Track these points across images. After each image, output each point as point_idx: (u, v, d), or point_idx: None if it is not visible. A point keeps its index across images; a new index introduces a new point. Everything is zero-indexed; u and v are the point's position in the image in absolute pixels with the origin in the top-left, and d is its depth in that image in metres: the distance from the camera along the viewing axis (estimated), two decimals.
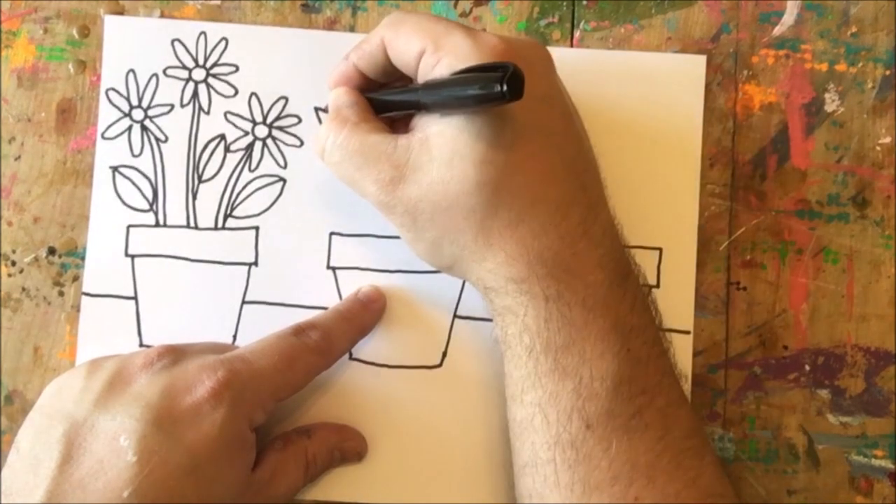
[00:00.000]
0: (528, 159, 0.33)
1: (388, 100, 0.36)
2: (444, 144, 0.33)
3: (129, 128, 0.41)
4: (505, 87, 0.29)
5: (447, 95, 0.32)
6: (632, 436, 0.32)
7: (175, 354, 0.34)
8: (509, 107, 0.31)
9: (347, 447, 0.39)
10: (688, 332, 0.40)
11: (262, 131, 0.41)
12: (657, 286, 0.40)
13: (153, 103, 0.41)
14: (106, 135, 0.41)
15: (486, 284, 0.34)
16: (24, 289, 0.40)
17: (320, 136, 0.36)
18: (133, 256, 0.40)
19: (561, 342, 0.33)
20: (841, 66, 0.41)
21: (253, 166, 0.41)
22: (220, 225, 0.40)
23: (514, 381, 0.34)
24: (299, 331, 0.36)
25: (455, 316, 0.40)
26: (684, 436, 0.33)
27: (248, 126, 0.41)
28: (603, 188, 0.36)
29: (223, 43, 0.41)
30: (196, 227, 0.40)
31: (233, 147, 0.41)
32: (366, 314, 0.39)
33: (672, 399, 0.34)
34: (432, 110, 0.34)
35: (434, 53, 0.33)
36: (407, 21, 0.34)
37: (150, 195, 0.41)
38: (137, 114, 0.41)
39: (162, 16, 0.41)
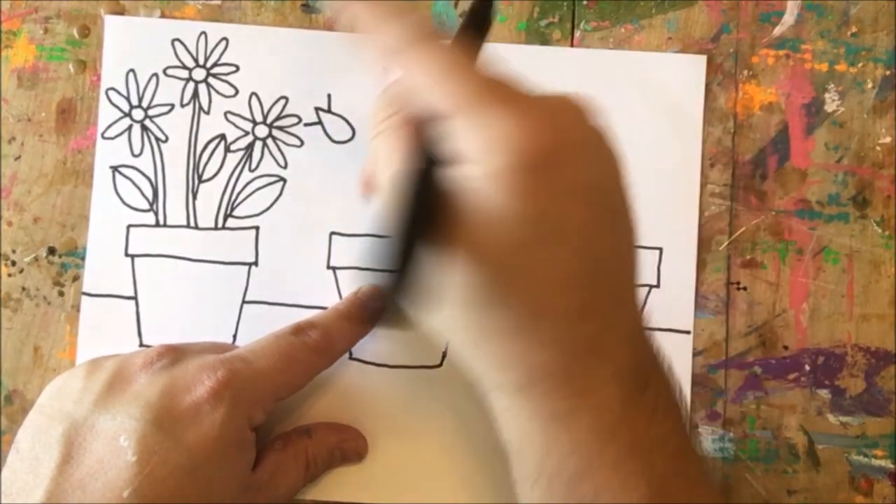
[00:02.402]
0: (539, 265, 0.27)
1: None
2: (458, 215, 0.28)
3: (129, 128, 0.41)
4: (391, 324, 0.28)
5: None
6: None
7: (175, 354, 0.34)
8: (532, 201, 0.26)
9: (348, 447, 0.38)
10: (688, 332, 0.40)
11: (262, 131, 0.41)
12: (657, 286, 0.40)
13: (153, 103, 0.41)
14: (106, 135, 0.41)
15: (484, 385, 0.31)
16: (24, 289, 0.40)
17: None
18: (133, 256, 0.40)
19: (573, 470, 0.29)
20: (841, 66, 0.41)
21: (253, 166, 0.41)
22: (220, 225, 0.40)
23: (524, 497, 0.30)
24: (299, 330, 0.36)
25: None
26: None
27: (248, 126, 0.41)
28: (632, 285, 0.30)
29: (223, 43, 0.41)
30: (196, 227, 0.40)
31: (233, 147, 0.41)
32: (366, 313, 0.39)
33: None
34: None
35: (448, 121, 0.28)
36: None
37: (150, 195, 0.41)
38: (137, 114, 0.41)
39: (162, 16, 0.41)
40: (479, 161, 0.27)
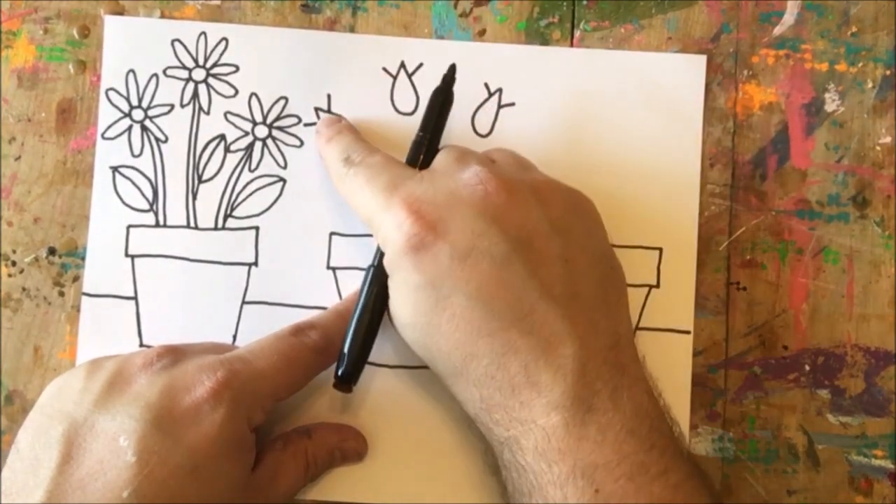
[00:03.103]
0: (450, 321, 0.33)
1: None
2: (390, 292, 0.35)
3: (129, 128, 0.41)
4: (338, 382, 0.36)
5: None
6: None
7: (175, 354, 0.34)
8: (430, 272, 0.33)
9: (347, 447, 0.38)
10: (688, 332, 0.40)
11: (262, 131, 0.41)
12: (657, 286, 0.40)
13: (153, 103, 0.41)
14: (106, 135, 0.41)
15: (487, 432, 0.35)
16: (24, 289, 0.40)
17: None
18: (133, 256, 0.40)
19: (525, 489, 0.32)
20: (841, 66, 0.41)
21: (253, 166, 0.41)
22: (220, 225, 0.40)
23: None
24: (298, 330, 0.36)
25: None
26: None
27: (248, 126, 0.41)
28: (564, 323, 0.32)
29: (223, 43, 0.41)
30: (196, 227, 0.40)
31: (233, 147, 0.41)
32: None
33: None
34: None
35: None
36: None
37: (150, 195, 0.41)
38: (137, 114, 0.41)
39: (162, 16, 0.41)
40: (385, 251, 0.35)
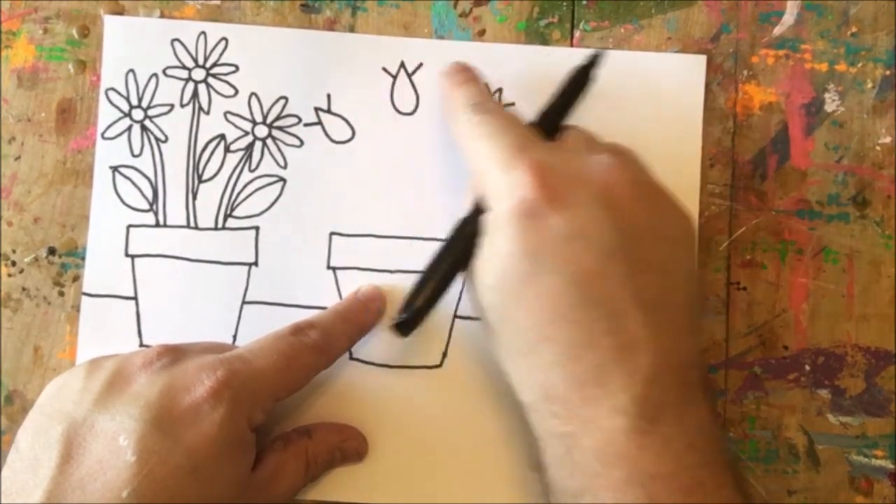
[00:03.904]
0: (538, 297, 0.32)
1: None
2: (482, 250, 0.34)
3: (129, 128, 0.41)
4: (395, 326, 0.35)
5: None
6: None
7: (174, 354, 0.34)
8: (534, 242, 0.32)
9: (348, 447, 0.38)
10: None
11: (262, 131, 0.41)
12: None
13: (153, 103, 0.41)
14: (106, 135, 0.41)
15: (516, 396, 0.34)
16: (24, 289, 0.40)
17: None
18: (133, 256, 0.40)
19: (575, 488, 0.31)
20: (841, 66, 0.41)
21: (253, 166, 0.41)
22: (220, 225, 0.40)
23: None
24: (298, 330, 0.36)
25: (455, 316, 0.40)
26: None
27: (248, 126, 0.41)
28: (663, 328, 0.32)
29: (223, 43, 0.41)
30: (196, 227, 0.40)
31: (233, 147, 0.41)
32: (365, 313, 0.39)
33: None
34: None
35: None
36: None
37: (150, 195, 0.41)
38: (137, 114, 0.41)
39: (162, 16, 0.41)
40: (492, 208, 0.33)
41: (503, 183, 0.33)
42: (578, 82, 0.38)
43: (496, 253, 0.33)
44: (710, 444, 0.32)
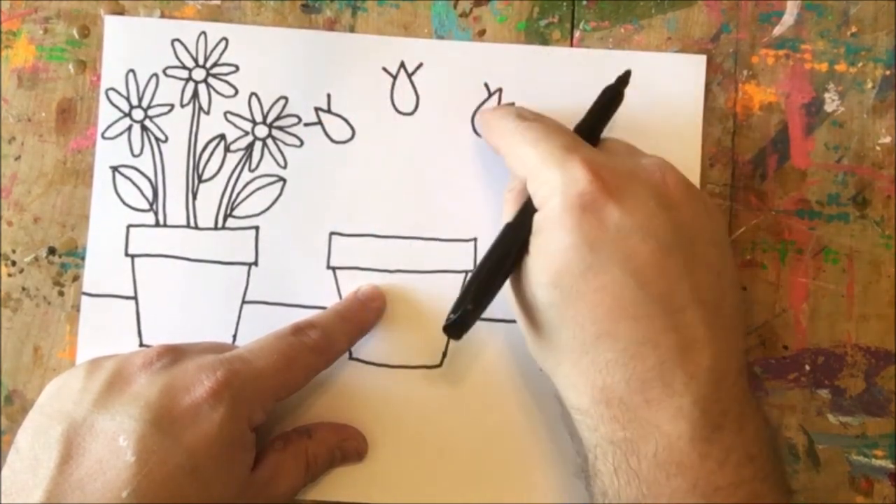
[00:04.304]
0: (597, 292, 0.31)
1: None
2: (535, 249, 0.33)
3: (129, 128, 0.41)
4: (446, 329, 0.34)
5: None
6: None
7: (174, 354, 0.34)
8: (593, 234, 0.31)
9: (348, 447, 0.38)
10: None
11: (262, 131, 0.41)
12: None
13: (153, 103, 0.41)
14: (106, 135, 0.41)
15: (565, 402, 0.33)
16: (24, 289, 0.40)
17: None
18: (133, 256, 0.40)
19: (630, 498, 0.30)
20: (841, 66, 0.41)
21: (253, 166, 0.41)
22: (220, 225, 0.40)
23: None
24: (298, 330, 0.36)
25: None
26: None
27: (248, 126, 0.41)
28: (712, 330, 0.31)
29: (223, 43, 0.41)
30: (196, 227, 0.40)
31: (233, 147, 0.41)
32: (365, 313, 0.39)
33: None
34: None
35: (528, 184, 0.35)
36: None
37: (150, 195, 0.41)
38: (137, 114, 0.41)
39: (162, 16, 0.41)
40: (545, 205, 0.33)
41: (558, 179, 0.32)
42: (612, 99, 0.38)
43: (553, 249, 0.32)
44: (767, 456, 0.31)
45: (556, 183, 0.32)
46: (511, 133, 0.36)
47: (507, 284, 0.35)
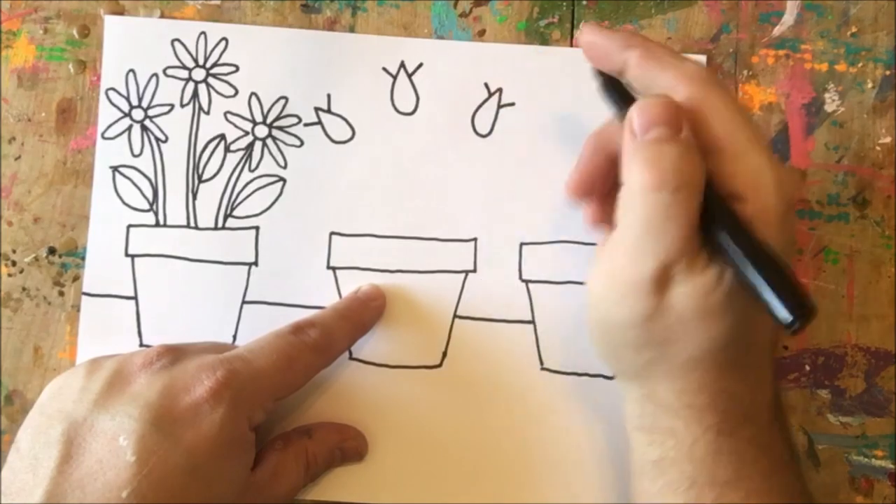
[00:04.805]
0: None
1: None
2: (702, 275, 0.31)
3: (129, 128, 0.41)
4: (794, 323, 0.28)
5: (734, 258, 0.30)
6: None
7: (174, 354, 0.34)
8: (788, 234, 0.31)
9: (348, 447, 0.38)
10: None
11: (262, 131, 0.41)
12: None
13: (153, 103, 0.41)
14: (106, 135, 0.41)
15: (662, 400, 0.33)
16: (24, 289, 0.40)
17: None
18: (133, 256, 0.40)
19: (728, 476, 0.32)
20: (841, 66, 0.41)
21: (253, 166, 0.41)
22: (220, 225, 0.40)
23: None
24: (298, 329, 0.36)
25: (455, 316, 0.40)
26: None
27: (248, 126, 0.41)
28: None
29: (223, 43, 0.41)
30: (196, 227, 0.40)
31: (233, 147, 0.41)
32: (365, 312, 0.39)
33: None
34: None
35: (732, 162, 0.31)
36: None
37: (150, 195, 0.41)
38: (137, 114, 0.41)
39: (162, 16, 0.41)
40: (749, 197, 0.31)
41: (775, 175, 0.31)
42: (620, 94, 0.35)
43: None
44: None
45: (771, 178, 0.31)
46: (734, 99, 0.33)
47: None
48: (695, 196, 0.30)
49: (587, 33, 0.34)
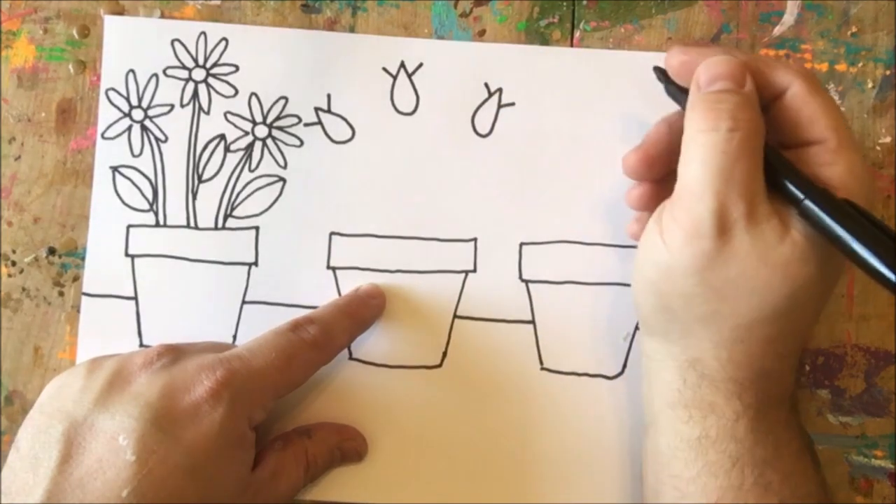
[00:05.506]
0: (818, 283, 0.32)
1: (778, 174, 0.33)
2: (790, 247, 0.31)
3: (129, 128, 0.41)
4: None
5: (833, 234, 0.30)
6: None
7: (174, 354, 0.34)
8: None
9: (348, 447, 0.38)
10: None
11: (262, 131, 0.41)
12: None
13: (153, 103, 0.41)
14: (106, 135, 0.41)
15: (706, 368, 0.33)
16: (24, 289, 0.40)
17: None
18: (133, 256, 0.40)
19: (767, 456, 0.32)
20: (841, 66, 0.41)
21: (253, 166, 0.41)
22: (220, 225, 0.40)
23: (703, 486, 0.32)
24: (297, 326, 0.36)
25: (455, 316, 0.40)
26: None
27: (248, 126, 0.41)
28: None
29: (223, 43, 0.41)
30: (196, 227, 0.40)
31: (233, 147, 0.41)
32: (365, 308, 0.39)
33: None
34: (800, 213, 0.31)
35: (832, 152, 0.32)
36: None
37: (150, 195, 0.41)
38: (137, 114, 0.41)
39: (162, 16, 0.41)
40: (841, 187, 0.32)
41: (858, 167, 0.32)
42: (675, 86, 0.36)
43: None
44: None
45: (863, 173, 0.32)
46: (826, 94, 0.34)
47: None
48: (751, 140, 0.31)
49: (677, 54, 0.35)
